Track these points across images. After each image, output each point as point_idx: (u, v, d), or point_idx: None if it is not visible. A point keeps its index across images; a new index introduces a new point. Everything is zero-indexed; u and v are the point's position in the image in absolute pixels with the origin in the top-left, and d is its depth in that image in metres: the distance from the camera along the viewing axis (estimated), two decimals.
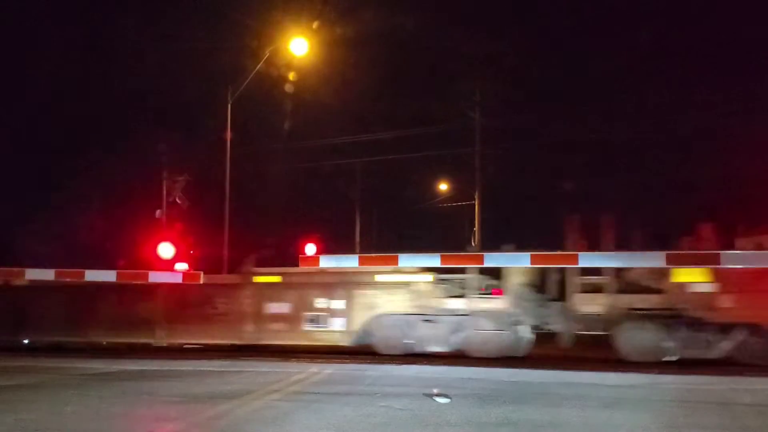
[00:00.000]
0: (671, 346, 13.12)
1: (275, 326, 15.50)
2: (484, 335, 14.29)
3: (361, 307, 15.09)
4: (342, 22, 22.11)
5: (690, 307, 13.13)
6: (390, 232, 34.40)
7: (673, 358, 13.02)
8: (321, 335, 15.23)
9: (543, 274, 14.59)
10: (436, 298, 14.84)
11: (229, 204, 21.22)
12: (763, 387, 9.42)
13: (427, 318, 14.68)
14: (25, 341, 17.19)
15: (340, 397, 8.38)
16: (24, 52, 35.37)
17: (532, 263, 14.02)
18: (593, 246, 13.81)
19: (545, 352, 14.48)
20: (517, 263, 14.22)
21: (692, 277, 13.15)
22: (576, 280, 14.05)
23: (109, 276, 16.74)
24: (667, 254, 13.28)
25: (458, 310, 14.57)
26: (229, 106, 21.20)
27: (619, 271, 13.87)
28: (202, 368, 11.64)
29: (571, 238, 14.02)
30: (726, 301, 12.81)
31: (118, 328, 16.38)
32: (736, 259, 12.94)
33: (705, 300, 13.04)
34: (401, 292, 14.93)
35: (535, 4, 44.89)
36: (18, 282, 17.36)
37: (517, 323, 14.40)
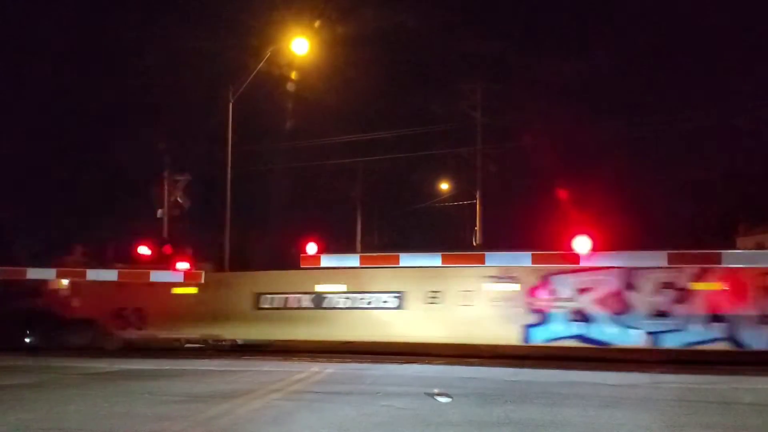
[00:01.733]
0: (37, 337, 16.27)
1: None
2: None
3: None
4: (343, 21, 22.15)
5: (58, 307, 16.23)
6: (391, 231, 34.41)
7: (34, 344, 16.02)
8: None
9: None
10: None
11: (230, 204, 21.19)
12: (764, 386, 9.41)
13: None
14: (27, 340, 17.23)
15: (341, 397, 8.39)
16: (25, 52, 35.41)
17: (533, 263, 13.97)
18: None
19: None
20: (519, 263, 14.16)
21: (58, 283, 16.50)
22: None
23: (110, 275, 16.73)
24: (669, 254, 13.23)
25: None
26: (231, 105, 21.17)
27: None
28: (203, 368, 11.67)
29: None
30: (77, 302, 16.28)
31: None
32: (738, 258, 12.92)
33: (66, 301, 16.35)
34: None
35: (536, 4, 44.93)
36: None
37: None
